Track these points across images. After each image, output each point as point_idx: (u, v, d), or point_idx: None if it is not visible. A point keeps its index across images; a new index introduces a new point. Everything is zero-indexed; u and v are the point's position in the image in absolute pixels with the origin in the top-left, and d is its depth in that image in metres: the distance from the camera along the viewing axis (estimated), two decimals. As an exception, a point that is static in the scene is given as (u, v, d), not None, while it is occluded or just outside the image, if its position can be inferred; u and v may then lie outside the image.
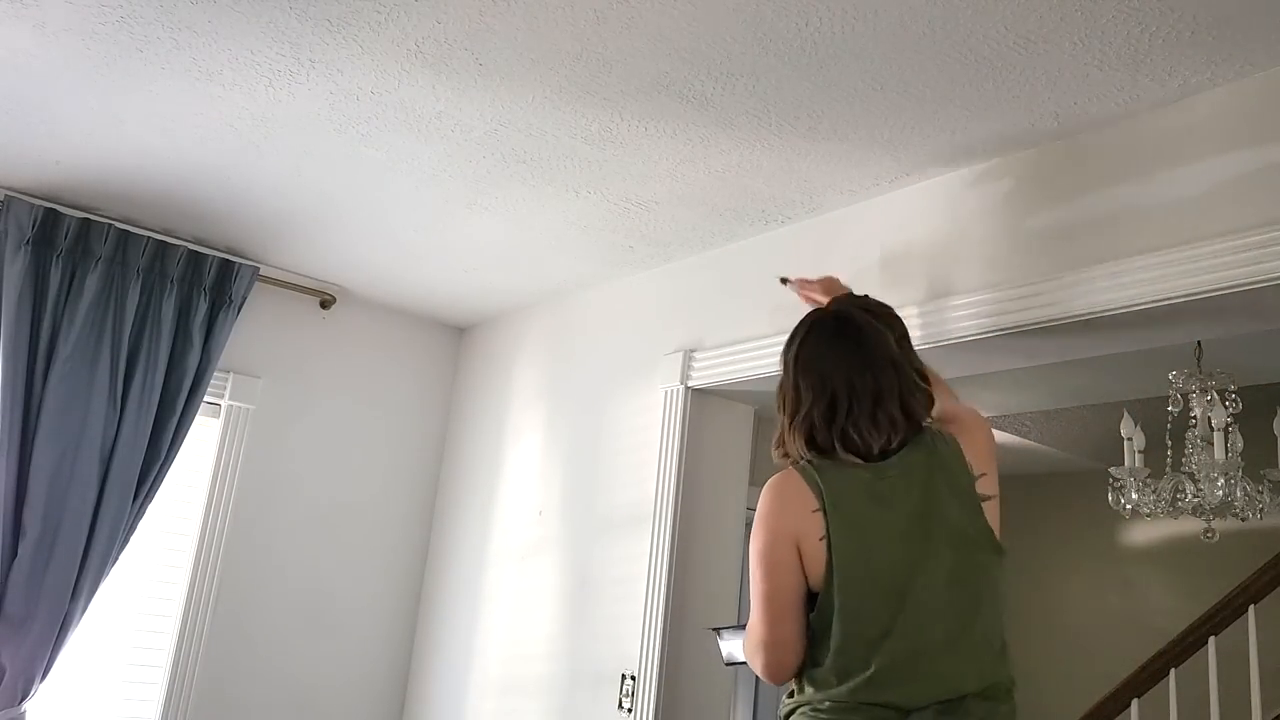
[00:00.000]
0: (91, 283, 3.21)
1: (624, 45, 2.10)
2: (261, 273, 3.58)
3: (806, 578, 1.67)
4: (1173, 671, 3.79)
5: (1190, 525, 3.88)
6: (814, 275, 2.38)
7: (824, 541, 1.64)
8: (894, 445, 1.70)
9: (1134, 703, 3.85)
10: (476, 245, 3.33)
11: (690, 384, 3.07)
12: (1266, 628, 3.66)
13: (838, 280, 2.33)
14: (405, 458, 4.06)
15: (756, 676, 1.83)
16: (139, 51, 2.31)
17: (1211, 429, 3.23)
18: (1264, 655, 3.61)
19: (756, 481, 2.03)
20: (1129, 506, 3.49)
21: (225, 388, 3.60)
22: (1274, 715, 3.61)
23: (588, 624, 3.20)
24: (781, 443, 1.78)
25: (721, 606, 3.02)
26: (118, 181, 3.07)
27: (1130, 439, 3.51)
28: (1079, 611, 5.60)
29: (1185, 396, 3.32)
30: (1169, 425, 3.40)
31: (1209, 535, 3.35)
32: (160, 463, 3.29)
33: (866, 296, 2.03)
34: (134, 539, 3.25)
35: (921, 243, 2.55)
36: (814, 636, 1.68)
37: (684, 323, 3.19)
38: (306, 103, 2.48)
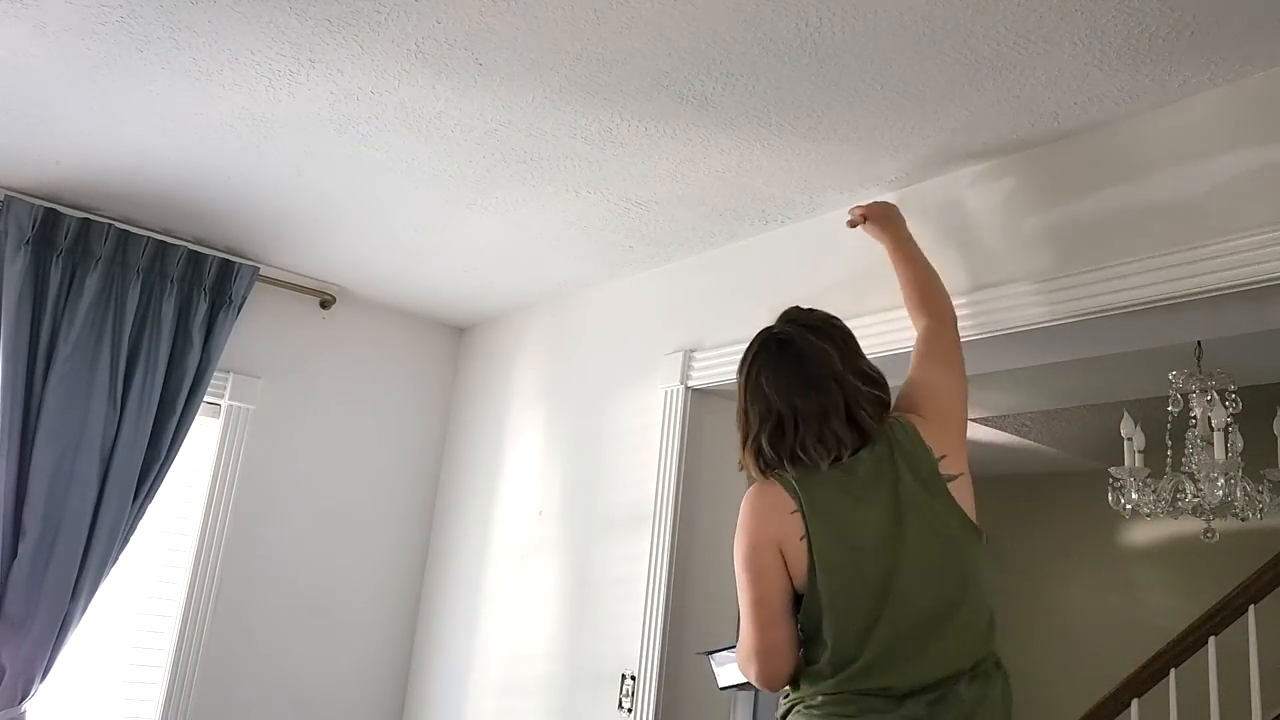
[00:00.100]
0: (91, 283, 3.21)
1: (624, 45, 2.10)
2: (261, 273, 3.58)
3: (791, 580, 1.71)
4: (1173, 671, 3.79)
5: (1190, 525, 3.88)
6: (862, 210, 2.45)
7: (804, 541, 1.69)
8: (845, 459, 1.74)
9: (1134, 703, 3.85)
10: (476, 245, 3.33)
11: (690, 384, 3.07)
12: (1266, 628, 3.66)
13: (894, 208, 2.41)
14: (405, 457, 4.06)
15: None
16: (139, 51, 2.31)
17: (1211, 429, 3.24)
18: (1264, 655, 3.61)
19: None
20: (1129, 506, 3.50)
21: (225, 388, 3.60)
22: (1274, 715, 3.62)
23: (588, 624, 3.20)
24: (743, 464, 1.86)
25: (721, 606, 3.02)
26: (118, 181, 3.07)
27: (1130, 439, 3.52)
28: (1079, 611, 5.61)
29: (1185, 396, 3.32)
30: (1169, 425, 3.40)
31: (1209, 535, 3.35)
32: (160, 463, 3.29)
33: (813, 310, 1.97)
34: (134, 539, 3.25)
35: (921, 243, 2.54)
36: (804, 635, 1.72)
37: (684, 323, 3.19)
38: (306, 103, 2.48)
